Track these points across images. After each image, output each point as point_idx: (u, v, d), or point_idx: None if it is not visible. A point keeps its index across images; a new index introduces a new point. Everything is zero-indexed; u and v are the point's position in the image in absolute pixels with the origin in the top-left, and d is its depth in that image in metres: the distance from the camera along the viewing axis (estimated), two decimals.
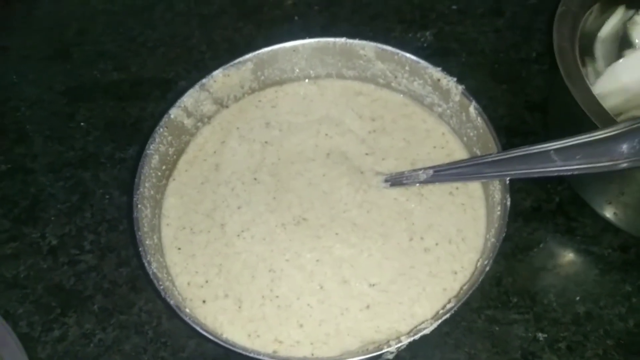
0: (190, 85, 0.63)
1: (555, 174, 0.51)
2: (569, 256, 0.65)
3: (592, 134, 0.50)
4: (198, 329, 0.48)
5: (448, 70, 0.62)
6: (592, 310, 0.61)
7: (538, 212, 0.67)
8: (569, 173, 0.51)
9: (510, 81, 0.78)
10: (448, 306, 0.49)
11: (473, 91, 0.60)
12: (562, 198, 0.68)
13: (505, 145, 0.59)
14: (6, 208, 0.70)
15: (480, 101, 0.59)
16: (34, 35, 0.87)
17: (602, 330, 0.60)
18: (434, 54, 0.80)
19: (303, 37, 0.65)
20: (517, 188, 0.67)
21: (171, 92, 0.78)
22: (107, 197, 0.71)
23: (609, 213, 0.63)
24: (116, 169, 0.73)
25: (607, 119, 0.53)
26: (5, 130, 0.77)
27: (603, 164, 0.49)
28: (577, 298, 0.62)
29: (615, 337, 0.60)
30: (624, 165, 0.48)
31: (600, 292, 0.62)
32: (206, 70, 0.64)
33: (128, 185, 0.70)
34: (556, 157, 0.51)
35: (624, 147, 0.48)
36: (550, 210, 0.67)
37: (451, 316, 0.48)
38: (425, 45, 0.82)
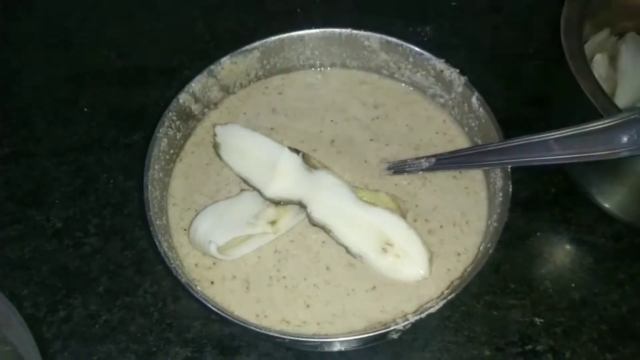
0: (195, 73, 0.63)
1: (555, 162, 0.53)
2: (564, 245, 0.67)
3: (591, 124, 0.51)
4: (209, 305, 0.49)
5: (450, 64, 0.63)
6: (587, 297, 0.63)
7: (535, 202, 0.69)
8: (568, 162, 0.52)
9: (507, 76, 0.80)
10: (452, 287, 0.51)
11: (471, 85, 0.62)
12: (558, 189, 0.70)
13: (505, 138, 0.60)
14: (10, 191, 0.70)
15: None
16: (36, 22, 0.87)
17: (597, 316, 0.62)
18: (434, 49, 0.82)
19: (306, 29, 0.66)
20: (515, 179, 0.68)
21: (175, 80, 0.79)
22: (112, 181, 0.71)
23: (603, 202, 0.65)
24: (120, 154, 0.73)
25: (614, 110, 0.55)
26: (8, 115, 0.77)
27: (601, 152, 0.51)
28: (572, 285, 0.64)
29: (609, 323, 0.62)
30: (624, 154, 0.50)
31: (594, 280, 0.64)
32: (209, 60, 0.64)
33: (133, 170, 0.71)
34: (556, 146, 0.53)
35: (623, 137, 0.50)
36: (546, 201, 0.69)
37: (451, 301, 0.50)
38: (425, 39, 0.84)
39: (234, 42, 0.84)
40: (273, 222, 0.56)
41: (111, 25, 0.86)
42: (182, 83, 0.62)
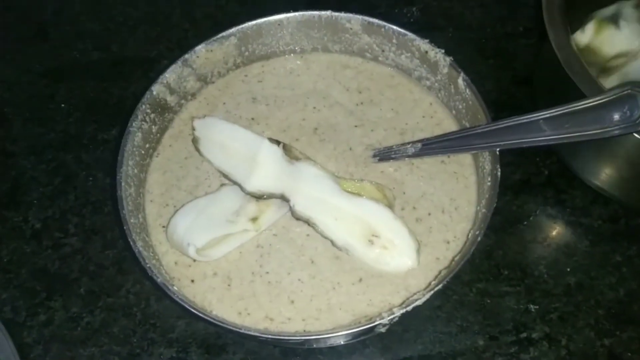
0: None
1: (545, 143, 0.51)
2: (559, 228, 0.65)
3: (581, 103, 0.49)
4: (186, 306, 0.47)
5: (435, 45, 0.61)
6: (583, 281, 0.61)
7: (527, 185, 0.67)
8: (558, 142, 0.50)
9: (497, 56, 0.77)
10: (440, 277, 0.49)
11: (460, 66, 0.59)
12: (551, 171, 0.68)
13: (494, 120, 0.58)
14: None
15: (468, 76, 0.58)
16: (10, 15, 0.84)
17: (593, 300, 0.60)
18: (421, 30, 0.78)
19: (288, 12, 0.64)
20: (506, 162, 0.66)
21: (154, 72, 0.77)
22: (91, 179, 0.69)
23: (598, 181, 0.63)
24: (99, 150, 0.71)
25: (596, 88, 0.53)
26: None
27: (593, 131, 0.49)
28: (568, 269, 0.62)
29: (606, 307, 0.60)
30: (616, 132, 0.48)
31: (590, 263, 0.62)
32: (189, 49, 0.62)
33: (112, 167, 0.68)
34: (546, 126, 0.51)
35: (615, 114, 0.48)
36: (539, 183, 0.67)
37: (442, 290, 0.48)
38: (412, 20, 0.81)
39: (214, 29, 0.82)
40: (254, 219, 0.54)
41: (87, 16, 0.83)
42: (161, 73, 0.60)
